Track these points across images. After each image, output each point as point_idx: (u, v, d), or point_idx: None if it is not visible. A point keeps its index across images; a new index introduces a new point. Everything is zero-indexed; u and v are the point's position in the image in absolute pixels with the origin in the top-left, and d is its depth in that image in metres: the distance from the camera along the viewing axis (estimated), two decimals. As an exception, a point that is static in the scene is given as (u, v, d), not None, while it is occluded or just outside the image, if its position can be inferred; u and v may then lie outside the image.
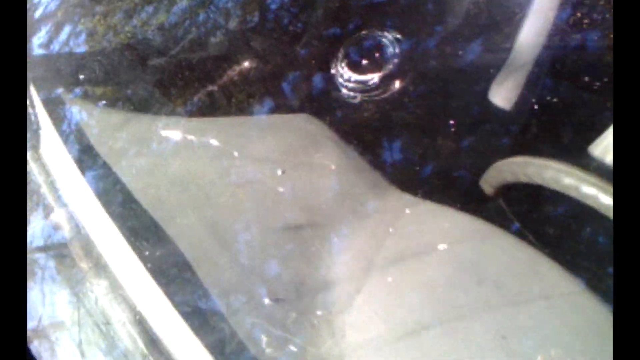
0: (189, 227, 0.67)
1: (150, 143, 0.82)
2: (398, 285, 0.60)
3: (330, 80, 0.83)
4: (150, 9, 1.25)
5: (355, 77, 0.84)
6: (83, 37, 1.11)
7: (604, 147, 0.85)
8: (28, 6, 1.17)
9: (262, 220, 0.68)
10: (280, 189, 0.71)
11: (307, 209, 0.70)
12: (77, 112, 0.85)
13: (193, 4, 1.26)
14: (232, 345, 0.54)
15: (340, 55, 0.84)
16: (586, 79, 0.99)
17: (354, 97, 0.83)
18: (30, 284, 0.58)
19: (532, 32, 0.96)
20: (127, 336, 0.52)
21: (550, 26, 0.94)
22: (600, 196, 0.62)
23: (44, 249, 0.61)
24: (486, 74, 0.86)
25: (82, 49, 1.08)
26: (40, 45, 1.07)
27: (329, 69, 0.85)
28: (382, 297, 0.59)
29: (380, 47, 0.85)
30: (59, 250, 0.60)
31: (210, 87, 1.03)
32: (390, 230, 0.66)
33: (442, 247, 0.63)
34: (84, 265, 0.57)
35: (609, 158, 0.82)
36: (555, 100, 0.92)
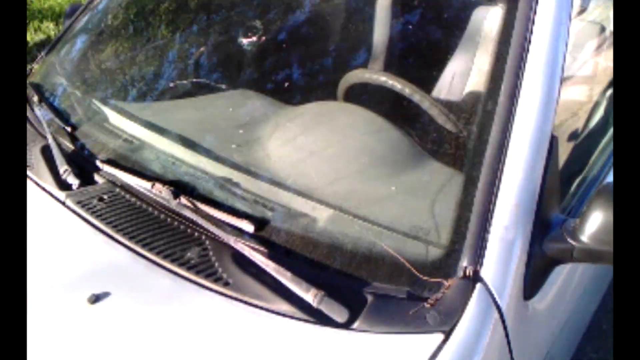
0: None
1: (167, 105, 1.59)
2: (292, 128, 1.35)
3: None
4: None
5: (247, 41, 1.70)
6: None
7: (438, 89, 1.68)
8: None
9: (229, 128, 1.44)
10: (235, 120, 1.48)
11: (247, 120, 1.46)
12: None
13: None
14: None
15: (240, 32, 1.70)
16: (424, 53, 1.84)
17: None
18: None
19: (380, 29, 1.85)
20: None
21: (390, 22, 1.82)
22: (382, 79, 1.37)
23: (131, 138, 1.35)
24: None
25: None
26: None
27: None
28: (285, 137, 1.33)
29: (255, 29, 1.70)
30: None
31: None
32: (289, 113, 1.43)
33: (309, 114, 1.40)
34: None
35: (442, 96, 1.65)
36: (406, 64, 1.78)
